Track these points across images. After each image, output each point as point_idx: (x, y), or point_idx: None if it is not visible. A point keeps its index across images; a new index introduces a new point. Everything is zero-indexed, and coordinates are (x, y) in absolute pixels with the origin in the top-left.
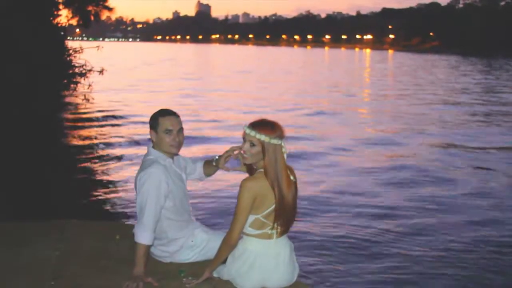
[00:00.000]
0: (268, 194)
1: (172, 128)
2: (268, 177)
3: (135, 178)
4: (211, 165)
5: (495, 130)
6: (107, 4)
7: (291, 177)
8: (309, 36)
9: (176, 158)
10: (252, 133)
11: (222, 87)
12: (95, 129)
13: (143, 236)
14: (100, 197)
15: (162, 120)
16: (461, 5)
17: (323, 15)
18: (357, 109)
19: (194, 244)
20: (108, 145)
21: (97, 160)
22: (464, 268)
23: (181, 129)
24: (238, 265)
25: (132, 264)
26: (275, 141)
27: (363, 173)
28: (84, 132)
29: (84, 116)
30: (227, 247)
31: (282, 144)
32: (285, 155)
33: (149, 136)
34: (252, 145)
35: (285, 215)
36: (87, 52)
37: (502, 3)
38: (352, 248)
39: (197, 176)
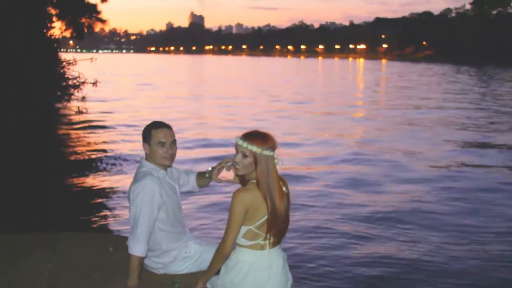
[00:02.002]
0: (261, 205)
1: (165, 140)
2: (260, 188)
3: (129, 190)
4: (204, 176)
5: None
6: (100, 16)
7: (284, 188)
8: (303, 46)
9: (169, 170)
10: (244, 144)
11: None
12: (88, 141)
13: (136, 248)
14: (94, 209)
15: (155, 132)
16: (453, 14)
17: (316, 25)
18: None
19: (188, 255)
20: (101, 157)
21: (90, 172)
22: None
23: (174, 141)
24: (232, 276)
25: (126, 276)
26: (267, 152)
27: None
28: (77, 144)
29: (77, 128)
30: (220, 258)
31: (274, 155)
32: (277, 166)
33: (142, 148)
34: (244, 156)
35: (277, 226)
36: (81, 64)
37: (494, 12)
38: (344, 255)
39: (190, 188)
